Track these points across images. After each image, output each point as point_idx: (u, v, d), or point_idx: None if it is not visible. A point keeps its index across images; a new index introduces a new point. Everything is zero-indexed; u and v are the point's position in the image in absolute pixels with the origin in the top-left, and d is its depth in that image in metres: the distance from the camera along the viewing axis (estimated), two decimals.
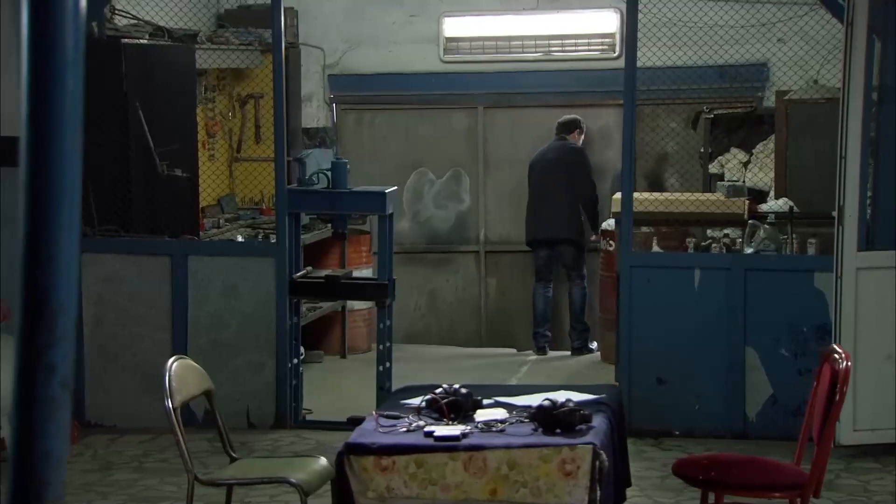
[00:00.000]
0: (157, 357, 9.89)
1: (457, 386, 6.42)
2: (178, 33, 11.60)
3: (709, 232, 11.33)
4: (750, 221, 10.27)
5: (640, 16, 13.19)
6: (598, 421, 6.18)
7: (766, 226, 10.23)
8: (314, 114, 13.77)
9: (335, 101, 13.76)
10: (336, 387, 11.56)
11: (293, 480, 6.49)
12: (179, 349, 9.92)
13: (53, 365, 2.09)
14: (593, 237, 12.86)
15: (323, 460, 6.94)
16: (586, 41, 13.35)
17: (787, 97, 11.58)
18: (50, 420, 2.11)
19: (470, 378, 11.83)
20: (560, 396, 6.29)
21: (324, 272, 10.80)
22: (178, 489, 8.53)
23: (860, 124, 8.55)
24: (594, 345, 12.89)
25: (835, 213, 8.88)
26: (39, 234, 2.09)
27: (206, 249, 10.26)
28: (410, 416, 6.31)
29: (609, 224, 12.64)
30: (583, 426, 6.05)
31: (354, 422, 9.87)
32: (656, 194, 11.85)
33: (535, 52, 13.51)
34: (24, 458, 2.11)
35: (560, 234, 12.80)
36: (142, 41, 10.81)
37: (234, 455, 6.91)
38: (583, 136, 12.98)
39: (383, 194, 10.22)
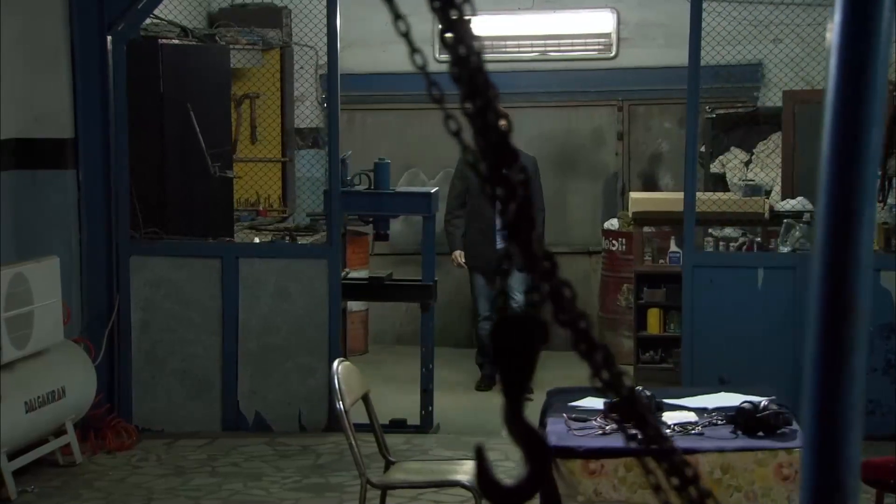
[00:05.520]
0: (206, 362, 9.82)
1: (640, 388, 6.44)
2: (198, 33, 11.45)
3: (710, 231, 11.49)
4: (785, 220, 10.44)
5: (633, 16, 13.48)
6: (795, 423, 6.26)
7: (802, 224, 10.38)
8: (307, 114, 13.65)
9: (327, 101, 13.64)
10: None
11: (468, 484, 6.48)
12: (230, 353, 9.85)
13: (855, 371, 2.11)
14: None
15: None
16: (582, 41, 13.44)
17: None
18: (853, 428, 2.13)
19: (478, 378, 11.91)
20: (752, 398, 6.35)
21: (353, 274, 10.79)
22: (266, 493, 8.45)
23: None
24: None
25: None
26: (847, 240, 2.10)
27: (258, 251, 10.15)
28: (598, 419, 6.32)
29: (612, 223, 12.78)
30: (785, 429, 6.12)
31: (396, 424, 9.89)
32: (671, 194, 12.00)
33: (531, 52, 13.57)
34: (827, 465, 2.12)
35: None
36: (175, 41, 10.64)
37: (390, 459, 6.85)
38: None
39: (428, 195, 10.22)
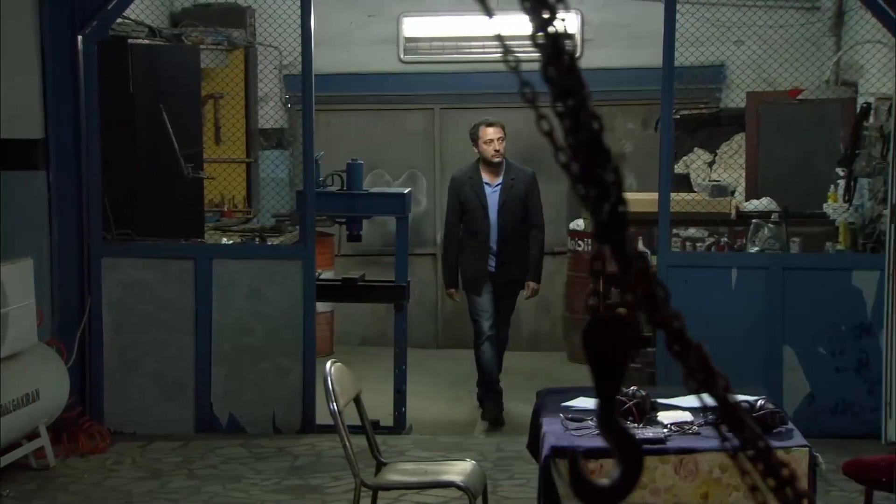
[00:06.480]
0: (179, 363, 9.77)
1: (634, 388, 6.47)
2: (165, 33, 11.39)
3: (675, 231, 11.52)
4: (754, 221, 10.50)
5: (596, 17, 13.52)
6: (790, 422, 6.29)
7: (771, 224, 10.44)
8: (270, 115, 13.59)
9: (291, 102, 13.62)
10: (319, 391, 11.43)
11: (462, 484, 6.48)
12: (203, 355, 9.80)
13: None
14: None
15: (473, 463, 6.94)
16: None
17: (798, 97, 11.89)
18: None
19: (446, 379, 11.90)
20: (745, 398, 6.39)
21: (323, 274, 10.75)
22: (246, 496, 8.40)
23: None
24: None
25: (886, 211, 9.16)
26: None
27: (232, 252, 10.11)
28: (594, 419, 6.32)
29: (578, 224, 12.82)
30: (781, 428, 6.16)
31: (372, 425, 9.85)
32: (638, 194, 12.03)
33: (495, 53, 13.56)
34: None
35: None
36: (143, 41, 10.58)
37: (381, 460, 6.84)
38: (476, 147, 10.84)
39: (402, 195, 10.20)
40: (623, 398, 6.35)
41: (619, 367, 2.34)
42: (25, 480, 8.67)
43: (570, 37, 2.19)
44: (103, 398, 9.84)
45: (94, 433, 9.49)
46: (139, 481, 8.72)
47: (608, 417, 2.29)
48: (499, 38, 2.29)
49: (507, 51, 2.24)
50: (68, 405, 9.29)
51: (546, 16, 2.23)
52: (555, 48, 2.24)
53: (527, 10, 2.23)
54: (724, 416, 2.37)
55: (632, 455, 2.30)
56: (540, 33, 2.24)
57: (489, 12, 2.32)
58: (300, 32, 9.93)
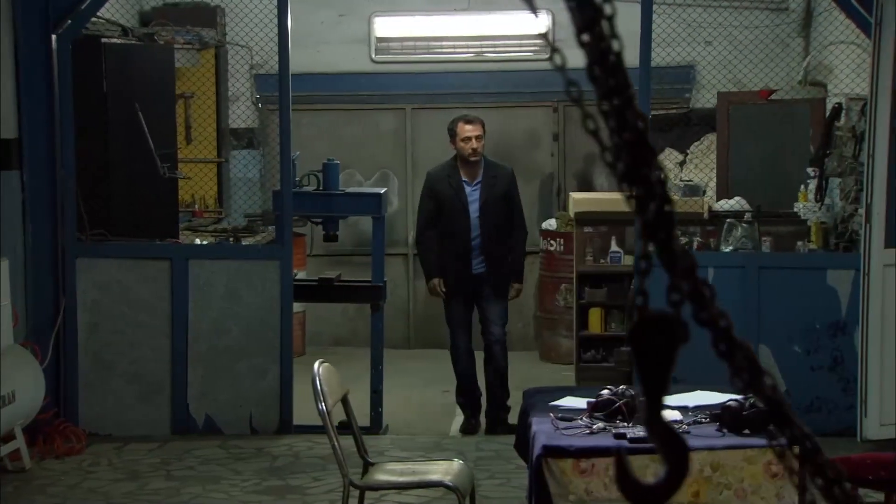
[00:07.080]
0: (155, 364, 9.72)
1: (623, 387, 6.49)
2: (137, 32, 11.34)
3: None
4: (728, 220, 10.53)
5: (568, 17, 13.53)
6: None
7: (744, 224, 10.48)
8: (241, 114, 13.55)
9: (262, 102, 13.58)
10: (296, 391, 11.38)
11: (451, 484, 6.47)
12: (179, 355, 9.76)
13: None
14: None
15: (460, 462, 6.94)
16: (518, 42, 13.47)
17: (771, 97, 11.95)
18: None
19: (419, 378, 11.90)
20: (734, 396, 6.41)
21: (299, 274, 10.73)
22: (227, 496, 8.37)
23: (887, 124, 8.83)
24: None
25: (861, 211, 9.22)
26: None
27: (208, 253, 10.06)
28: (584, 418, 6.35)
29: (550, 224, 12.84)
30: (771, 426, 6.17)
31: (345, 426, 9.82)
32: (612, 194, 12.07)
33: (467, 53, 13.59)
34: None
35: None
36: (117, 40, 10.52)
37: (368, 460, 6.83)
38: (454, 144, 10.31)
39: (378, 195, 10.19)
40: (613, 397, 6.36)
41: (665, 365, 2.34)
42: (2, 483, 8.61)
43: (617, 36, 2.18)
44: (78, 400, 9.78)
45: (70, 435, 9.43)
46: (117, 483, 8.67)
47: (655, 416, 2.29)
48: (544, 36, 2.27)
49: (553, 49, 2.23)
50: (43, 407, 9.22)
51: (591, 14, 2.22)
52: (600, 48, 2.23)
53: (571, 10, 2.22)
54: (772, 414, 2.38)
55: (678, 453, 2.30)
56: (585, 33, 2.22)
57: (534, 10, 2.32)
58: (276, 32, 9.85)
